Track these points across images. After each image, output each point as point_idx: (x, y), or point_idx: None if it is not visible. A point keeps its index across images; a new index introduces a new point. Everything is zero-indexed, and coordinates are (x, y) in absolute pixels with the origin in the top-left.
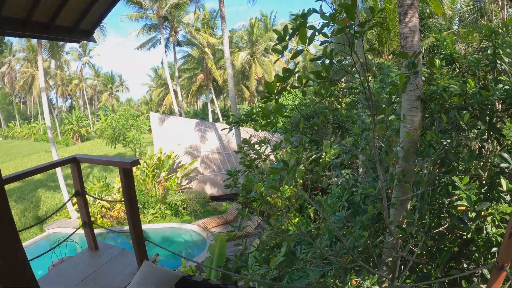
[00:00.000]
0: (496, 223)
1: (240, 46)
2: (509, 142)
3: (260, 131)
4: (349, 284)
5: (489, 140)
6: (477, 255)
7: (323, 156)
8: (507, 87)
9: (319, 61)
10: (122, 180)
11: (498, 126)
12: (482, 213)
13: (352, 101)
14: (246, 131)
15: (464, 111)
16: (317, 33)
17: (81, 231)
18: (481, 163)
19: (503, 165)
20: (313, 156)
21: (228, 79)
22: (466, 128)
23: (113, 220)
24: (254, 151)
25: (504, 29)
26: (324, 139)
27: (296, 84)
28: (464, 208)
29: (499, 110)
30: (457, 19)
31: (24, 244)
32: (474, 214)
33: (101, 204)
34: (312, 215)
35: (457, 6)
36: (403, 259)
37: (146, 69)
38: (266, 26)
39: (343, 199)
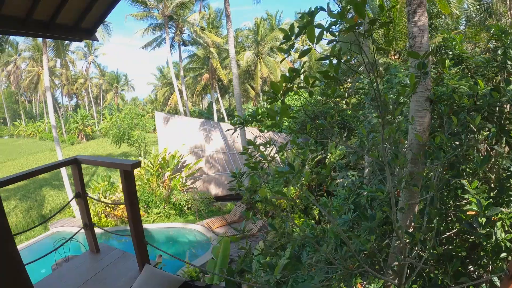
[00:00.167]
0: (506, 228)
1: (245, 45)
2: None
3: (265, 131)
4: None
5: (499, 143)
6: (485, 261)
7: (328, 157)
8: None
9: (325, 61)
10: (122, 182)
11: (507, 129)
12: (492, 218)
13: (358, 102)
14: (251, 132)
15: (474, 113)
16: (323, 32)
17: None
18: (489, 166)
19: None
20: (318, 157)
21: (233, 79)
22: (475, 130)
23: (117, 219)
24: (259, 153)
25: None
26: (330, 141)
27: (302, 84)
28: (473, 212)
29: (509, 111)
30: (463, 19)
31: (28, 242)
32: (484, 219)
33: None
34: (317, 216)
35: (464, 5)
36: (410, 263)
37: (151, 68)
38: (271, 25)
39: (349, 202)
